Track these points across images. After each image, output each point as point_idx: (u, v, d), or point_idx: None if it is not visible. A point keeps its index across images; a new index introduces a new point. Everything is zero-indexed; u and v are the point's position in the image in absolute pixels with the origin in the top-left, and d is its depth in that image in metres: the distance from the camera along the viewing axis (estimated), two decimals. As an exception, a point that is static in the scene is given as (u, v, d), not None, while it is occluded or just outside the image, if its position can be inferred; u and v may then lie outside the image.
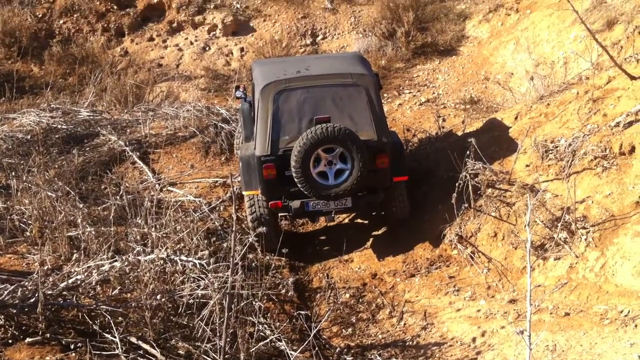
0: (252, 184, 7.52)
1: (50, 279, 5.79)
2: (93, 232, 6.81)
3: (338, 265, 7.54)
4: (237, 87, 8.82)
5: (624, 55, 8.95)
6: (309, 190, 7.17)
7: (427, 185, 8.24)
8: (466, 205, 7.31)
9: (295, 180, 7.15)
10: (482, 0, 15.08)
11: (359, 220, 8.47)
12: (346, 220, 8.57)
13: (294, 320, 6.33)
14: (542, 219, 6.60)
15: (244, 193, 7.68)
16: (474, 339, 5.76)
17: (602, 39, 9.66)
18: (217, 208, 8.25)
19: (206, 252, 6.53)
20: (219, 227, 7.75)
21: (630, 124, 6.87)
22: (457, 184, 7.57)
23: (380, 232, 8.08)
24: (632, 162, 6.63)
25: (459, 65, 13.94)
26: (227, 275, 5.27)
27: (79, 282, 5.83)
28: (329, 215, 7.60)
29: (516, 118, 8.95)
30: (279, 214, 7.77)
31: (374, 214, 8.54)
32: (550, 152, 7.33)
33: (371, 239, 8.01)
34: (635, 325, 5.21)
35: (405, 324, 6.31)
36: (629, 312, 5.41)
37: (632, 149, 6.68)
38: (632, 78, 7.38)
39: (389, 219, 8.16)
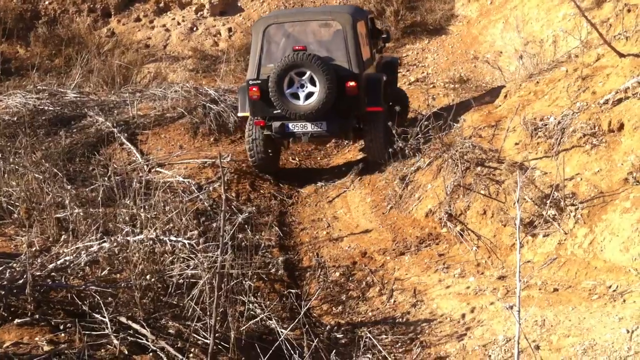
0: (245, 107, 8.85)
1: (39, 261, 5.74)
2: (81, 214, 6.75)
3: (328, 244, 7.55)
4: None
5: (613, 33, 8.93)
6: (281, 107, 8.32)
7: (416, 163, 8.23)
8: (455, 183, 7.32)
9: (272, 99, 8.30)
10: (471, -22, 15.02)
11: (350, 197, 8.48)
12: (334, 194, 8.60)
13: (284, 299, 6.33)
14: (531, 197, 6.62)
15: (238, 115, 9.29)
16: (463, 315, 5.78)
17: (591, 17, 9.66)
18: (206, 188, 8.22)
19: (195, 232, 6.48)
20: (209, 208, 7.72)
21: (619, 101, 6.86)
22: (446, 162, 7.59)
23: (370, 213, 8.09)
24: (620, 139, 6.64)
25: (448, 45, 13.91)
26: (217, 255, 5.25)
27: (67, 263, 5.78)
28: (305, 136, 8.56)
29: (505, 96, 8.95)
30: (266, 134, 8.74)
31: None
32: (540, 130, 7.34)
33: (361, 219, 8.02)
34: (624, 300, 5.24)
35: (395, 301, 6.33)
36: (617, 287, 5.44)
37: (621, 126, 6.68)
38: (621, 55, 7.36)
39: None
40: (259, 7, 15.35)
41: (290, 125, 8.53)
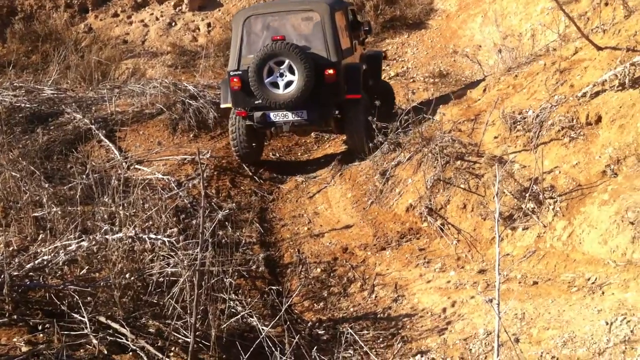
0: (227, 98, 8.93)
1: (16, 260, 5.66)
2: (59, 212, 6.66)
3: (309, 240, 7.54)
4: None
5: (590, 27, 8.99)
6: (262, 97, 8.42)
7: (396, 158, 8.23)
8: (435, 177, 7.33)
9: (252, 88, 8.40)
10: (450, -28, 15.05)
11: (331, 192, 8.47)
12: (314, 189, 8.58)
13: (265, 296, 6.31)
14: (510, 190, 6.65)
15: (221, 106, 9.20)
16: (444, 310, 5.80)
17: (569, 11, 9.71)
18: (186, 185, 8.16)
19: (175, 229, 6.42)
20: (188, 205, 7.68)
21: (597, 94, 6.92)
22: (426, 157, 7.60)
23: (351, 208, 8.08)
24: (598, 131, 6.69)
25: (427, 39, 13.94)
26: (197, 252, 5.21)
27: (45, 262, 5.71)
28: (287, 125, 8.66)
29: (484, 90, 8.98)
30: (248, 125, 8.83)
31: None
32: (518, 123, 7.37)
33: (342, 215, 8.01)
34: (602, 292, 5.28)
35: (376, 296, 6.33)
36: (595, 279, 5.48)
37: (599, 119, 6.73)
38: (599, 48, 7.41)
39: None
40: (237, 2, 15.27)
41: (272, 114, 8.63)
